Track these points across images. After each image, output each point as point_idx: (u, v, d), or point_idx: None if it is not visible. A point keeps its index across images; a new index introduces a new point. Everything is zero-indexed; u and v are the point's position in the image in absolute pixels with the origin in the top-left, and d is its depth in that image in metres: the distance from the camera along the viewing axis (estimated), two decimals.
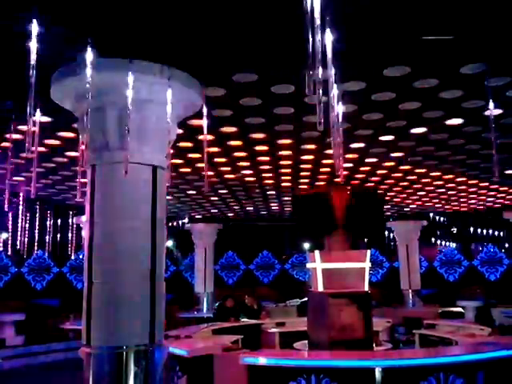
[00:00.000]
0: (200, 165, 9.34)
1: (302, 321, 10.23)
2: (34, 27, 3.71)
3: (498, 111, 6.62)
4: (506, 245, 20.99)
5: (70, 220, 18.65)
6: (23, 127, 6.60)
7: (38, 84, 3.73)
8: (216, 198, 13.78)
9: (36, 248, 19.41)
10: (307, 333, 9.02)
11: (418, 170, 10.46)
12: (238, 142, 8.15)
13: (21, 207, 13.58)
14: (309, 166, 9.95)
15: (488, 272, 20.51)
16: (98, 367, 4.33)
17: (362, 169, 10.38)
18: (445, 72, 5.48)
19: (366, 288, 8.72)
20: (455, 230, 21.61)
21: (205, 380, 7.21)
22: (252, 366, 6.36)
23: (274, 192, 12.85)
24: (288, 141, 8.08)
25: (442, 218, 20.50)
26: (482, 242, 20.91)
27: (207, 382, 7.20)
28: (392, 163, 9.91)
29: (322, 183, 11.66)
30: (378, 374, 5.98)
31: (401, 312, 14.57)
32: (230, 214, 17.62)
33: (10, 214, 16.70)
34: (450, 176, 11.19)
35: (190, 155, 8.81)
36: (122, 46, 4.30)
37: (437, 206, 16.25)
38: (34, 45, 3.71)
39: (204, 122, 5.42)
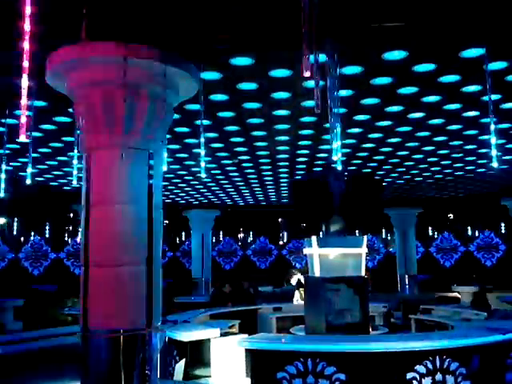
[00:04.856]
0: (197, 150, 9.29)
1: (298, 306, 10.28)
2: None
3: None
4: (503, 231, 21.07)
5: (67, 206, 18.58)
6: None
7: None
8: (213, 184, 13.75)
9: (33, 234, 19.36)
10: (304, 317, 9.05)
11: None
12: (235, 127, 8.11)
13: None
14: (306, 151, 9.93)
15: (484, 258, 20.61)
16: (96, 352, 4.34)
17: (359, 155, 10.36)
18: None
19: (363, 273, 8.74)
20: (451, 215, 21.60)
21: (202, 364, 7.24)
22: (249, 350, 6.37)
23: (271, 178, 12.83)
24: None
25: (438, 205, 20.48)
26: (479, 227, 20.98)
27: (205, 366, 7.24)
28: (390, 148, 9.90)
29: (320, 169, 11.62)
30: (373, 358, 6.00)
31: (397, 297, 14.64)
32: (227, 201, 17.59)
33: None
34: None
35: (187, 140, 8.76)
36: (115, 29, 4.24)
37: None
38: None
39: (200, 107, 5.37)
